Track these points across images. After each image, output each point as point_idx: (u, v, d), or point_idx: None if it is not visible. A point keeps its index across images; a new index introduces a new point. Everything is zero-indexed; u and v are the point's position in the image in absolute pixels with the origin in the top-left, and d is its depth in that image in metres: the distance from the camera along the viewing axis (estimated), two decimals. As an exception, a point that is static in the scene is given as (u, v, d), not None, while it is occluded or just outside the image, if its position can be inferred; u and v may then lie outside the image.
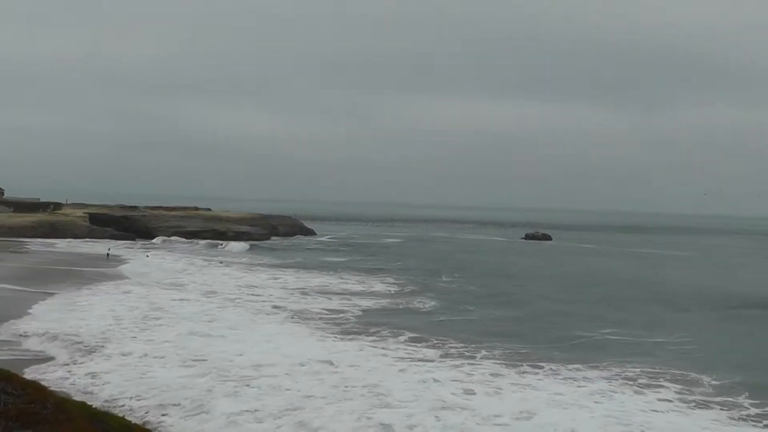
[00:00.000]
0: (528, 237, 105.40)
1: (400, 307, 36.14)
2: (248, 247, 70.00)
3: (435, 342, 26.61)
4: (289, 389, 19.09)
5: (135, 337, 25.24)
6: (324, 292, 39.86)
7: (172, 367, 21.10)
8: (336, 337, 27.03)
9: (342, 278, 47.26)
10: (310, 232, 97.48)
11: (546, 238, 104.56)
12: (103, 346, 23.65)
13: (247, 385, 19.29)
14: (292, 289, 40.84)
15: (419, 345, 26.05)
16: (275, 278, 45.77)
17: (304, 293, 39.21)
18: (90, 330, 26.11)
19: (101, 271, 45.91)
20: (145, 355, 22.61)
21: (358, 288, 42.46)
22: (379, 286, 43.59)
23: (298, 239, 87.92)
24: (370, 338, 27.14)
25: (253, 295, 37.85)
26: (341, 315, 32.60)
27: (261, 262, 57.80)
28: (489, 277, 50.13)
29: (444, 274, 51.55)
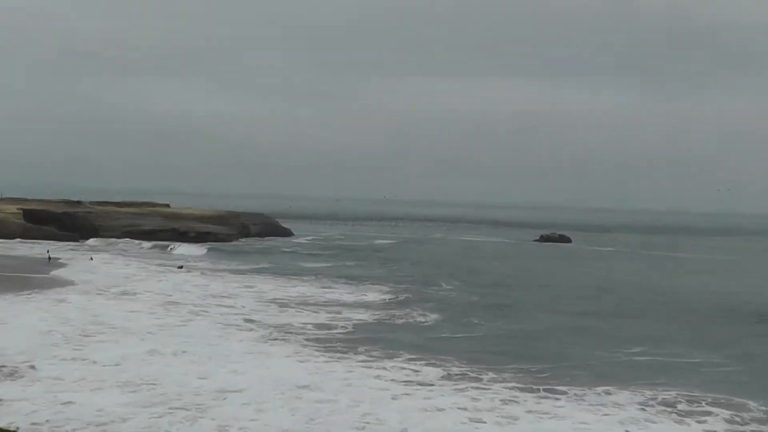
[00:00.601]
0: (543, 239, 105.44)
1: (395, 320, 36.14)
2: (205, 251, 70.02)
3: (436, 362, 26.49)
4: (254, 420, 18.55)
5: (69, 357, 24.83)
6: (306, 303, 39.80)
7: (109, 394, 20.45)
8: (320, 357, 26.85)
9: (326, 287, 47.22)
10: (286, 233, 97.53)
11: (564, 240, 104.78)
12: (30, 367, 23.22)
13: (202, 417, 18.69)
14: (269, 299, 40.73)
15: (417, 365, 25.93)
16: (248, 286, 45.68)
17: (282, 305, 39.11)
18: (16, 348, 25.69)
19: (35, 277, 45.65)
20: (83, 378, 22.12)
21: (346, 298, 42.45)
22: (369, 296, 43.63)
23: (273, 241, 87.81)
24: (361, 357, 27.00)
25: (221, 306, 37.73)
26: (326, 330, 32.47)
27: (230, 267, 57.78)
28: (496, 286, 50.14)
29: (443, 281, 51.68)
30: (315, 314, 36.54)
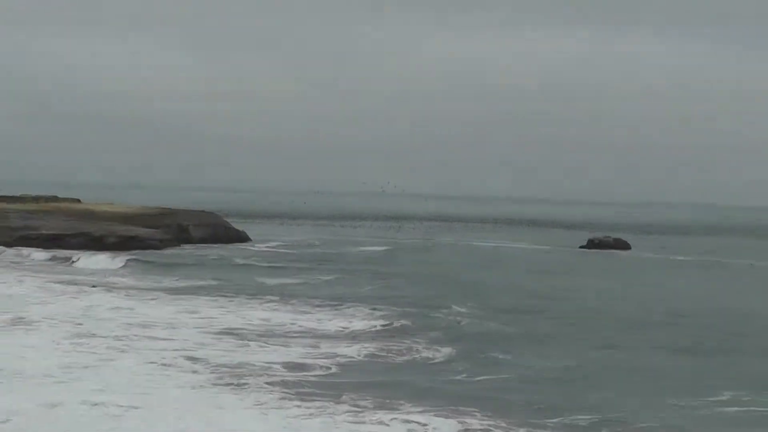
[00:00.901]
0: (591, 245, 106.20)
1: (392, 356, 36.38)
2: (123, 262, 70.39)
3: (449, 413, 26.55)
4: None
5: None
6: (270, 335, 40.05)
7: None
8: (291, 408, 26.92)
9: (297, 311, 47.55)
10: (241, 237, 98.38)
11: (621, 245, 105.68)
12: None
13: None
14: (219, 329, 41.04)
15: (426, 417, 26.07)
16: (190, 312, 45.95)
17: (238, 336, 39.40)
18: None
19: None
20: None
21: (324, 327, 42.76)
22: (356, 323, 44.01)
23: (223, 248, 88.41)
24: (346, 408, 27.11)
25: (153, 339, 37.88)
26: (299, 371, 32.60)
27: (164, 284, 58.01)
28: (527, 312, 50.31)
29: (455, 303, 52.06)
30: (283, 349, 36.75)
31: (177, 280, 60.53)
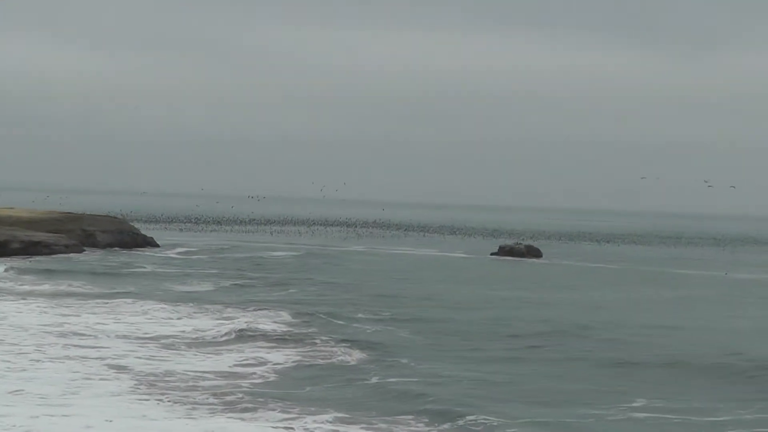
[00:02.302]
0: (502, 251, 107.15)
1: (308, 361, 37.44)
2: (26, 268, 69.54)
3: (377, 422, 27.56)
4: None
5: None
6: (183, 342, 40.67)
7: None
8: (218, 415, 27.56)
9: (211, 317, 48.27)
10: (148, 243, 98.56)
11: (533, 253, 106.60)
12: None
13: None
14: (137, 337, 41.55)
15: (354, 426, 27.03)
16: (106, 319, 46.26)
17: (164, 345, 39.91)
18: None
19: None
20: None
21: (236, 333, 43.37)
22: (267, 324, 45.39)
23: (131, 254, 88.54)
24: (273, 416, 27.84)
25: (72, 346, 38.06)
26: (227, 380, 33.21)
27: (74, 290, 58.10)
28: (434, 320, 51.47)
29: (363, 309, 53.69)
30: (200, 356, 37.55)
31: (87, 285, 60.66)
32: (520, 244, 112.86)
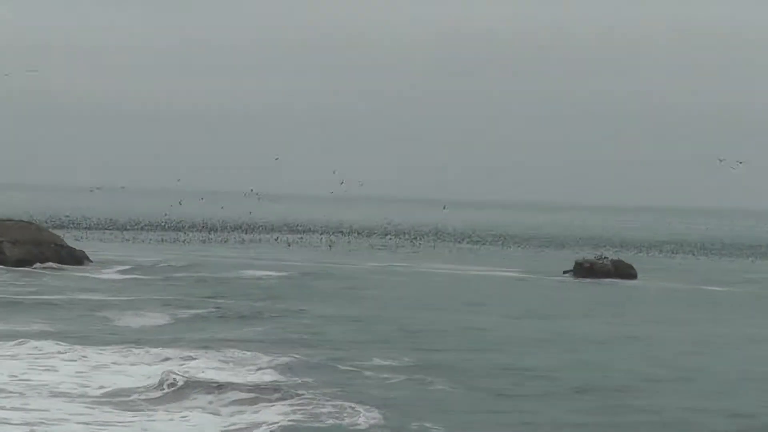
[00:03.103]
0: (580, 270, 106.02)
1: (298, 424, 37.41)
2: None
3: None
4: None
5: None
6: (122, 396, 40.87)
7: None
8: None
9: (166, 361, 48.35)
10: (77, 259, 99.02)
11: (623, 271, 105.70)
12: None
13: None
14: (73, 391, 41.81)
15: None
16: (33, 370, 45.88)
17: (89, 401, 40.22)
18: None
19: None
20: None
21: (201, 384, 43.20)
22: (246, 376, 45.45)
23: (53, 275, 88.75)
24: None
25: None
26: None
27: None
28: (480, 369, 51.05)
29: (379, 352, 53.40)
30: (142, 417, 37.68)
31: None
32: (604, 258, 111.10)
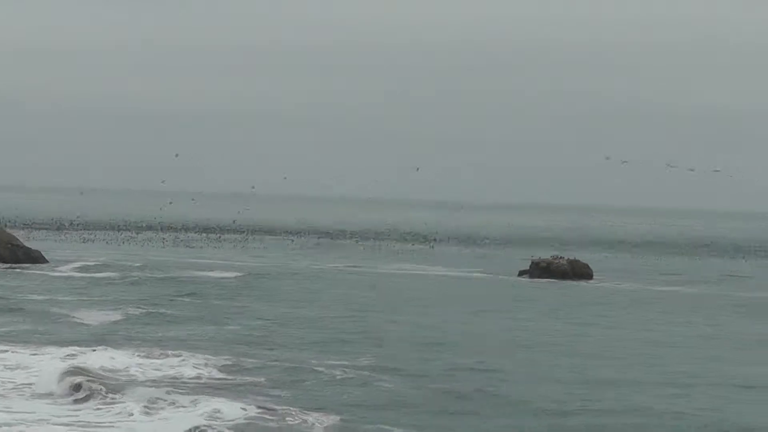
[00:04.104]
0: (536, 270, 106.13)
1: (251, 426, 37.44)
2: None
3: None
4: None
5: None
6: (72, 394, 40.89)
7: None
8: None
9: (114, 359, 48.36)
10: (33, 257, 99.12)
11: (579, 271, 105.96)
12: None
13: None
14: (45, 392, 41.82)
15: None
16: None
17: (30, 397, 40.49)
18: None
19: None
20: None
21: (149, 383, 43.63)
22: (197, 375, 45.79)
23: (10, 274, 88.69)
24: None
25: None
26: None
27: None
28: (438, 372, 50.84)
29: (333, 353, 53.67)
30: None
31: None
32: (560, 258, 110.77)
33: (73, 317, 64.34)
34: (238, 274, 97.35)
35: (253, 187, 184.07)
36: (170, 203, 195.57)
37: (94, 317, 64.14)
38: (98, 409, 39.67)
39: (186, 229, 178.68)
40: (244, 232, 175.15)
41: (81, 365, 46.08)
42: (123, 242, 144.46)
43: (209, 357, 49.83)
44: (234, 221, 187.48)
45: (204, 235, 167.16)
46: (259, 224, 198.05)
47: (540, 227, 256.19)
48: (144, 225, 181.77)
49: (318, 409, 40.03)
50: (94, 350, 50.61)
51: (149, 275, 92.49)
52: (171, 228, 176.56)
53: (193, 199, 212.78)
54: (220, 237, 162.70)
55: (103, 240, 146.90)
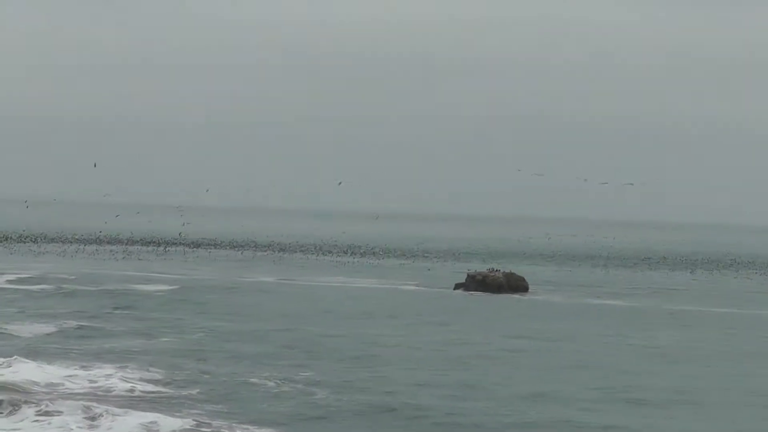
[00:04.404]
0: (472, 283, 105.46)
1: None
2: None
3: None
4: None
5: None
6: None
7: None
8: None
9: (47, 374, 48.04)
10: None
11: (515, 284, 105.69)
12: None
13: None
14: None
15: None
16: None
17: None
18: None
19: None
20: None
21: (81, 395, 43.59)
22: (131, 388, 45.64)
23: None
24: None
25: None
26: None
27: None
28: (369, 386, 51.03)
29: (267, 366, 53.82)
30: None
31: None
32: (496, 270, 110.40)
33: (5, 330, 63.84)
34: (175, 287, 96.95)
35: (207, 190, 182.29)
36: (117, 216, 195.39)
37: (27, 330, 63.77)
38: (36, 421, 39.69)
39: (131, 242, 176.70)
40: (186, 244, 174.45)
41: (9, 380, 45.90)
42: (68, 255, 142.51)
43: (144, 370, 49.89)
44: (180, 233, 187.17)
45: (152, 247, 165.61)
46: (203, 237, 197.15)
47: (473, 239, 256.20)
48: (91, 238, 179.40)
49: (253, 423, 40.38)
50: (26, 363, 50.18)
51: (85, 288, 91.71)
52: (118, 241, 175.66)
53: (138, 212, 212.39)
54: (165, 249, 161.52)
55: (49, 252, 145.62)
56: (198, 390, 46.21)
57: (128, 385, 46.48)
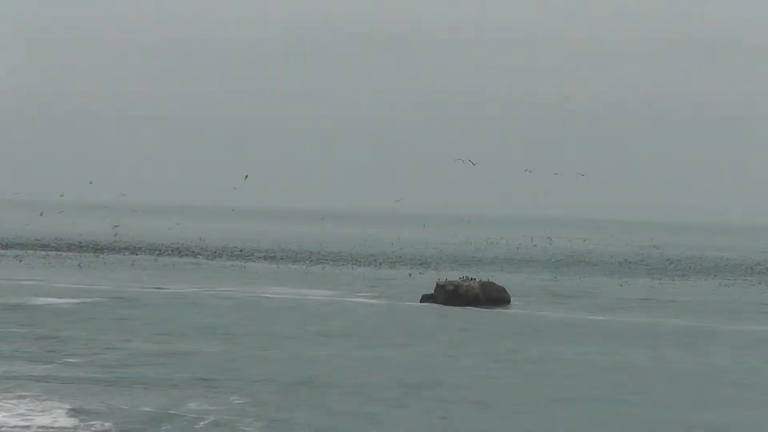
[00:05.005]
0: (441, 295, 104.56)
1: None
2: None
3: None
4: None
5: None
6: None
7: None
8: None
9: None
10: None
11: (494, 296, 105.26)
12: None
13: None
14: None
15: None
16: None
17: None
18: None
19: None
20: None
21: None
22: (37, 420, 46.11)
23: None
24: None
25: None
26: None
27: None
28: (316, 408, 52.35)
29: (200, 394, 54.52)
30: None
31: None
32: (470, 279, 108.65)
33: None
34: (90, 299, 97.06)
35: (123, 194, 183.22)
36: (41, 215, 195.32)
37: None
38: None
39: (57, 248, 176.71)
40: (116, 250, 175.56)
41: None
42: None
43: (48, 400, 49.95)
44: (115, 234, 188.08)
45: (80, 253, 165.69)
46: (139, 241, 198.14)
47: (429, 242, 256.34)
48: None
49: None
50: None
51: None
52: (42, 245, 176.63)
53: (60, 212, 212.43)
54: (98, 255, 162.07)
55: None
56: (113, 424, 46.50)
57: (31, 421, 46.54)
